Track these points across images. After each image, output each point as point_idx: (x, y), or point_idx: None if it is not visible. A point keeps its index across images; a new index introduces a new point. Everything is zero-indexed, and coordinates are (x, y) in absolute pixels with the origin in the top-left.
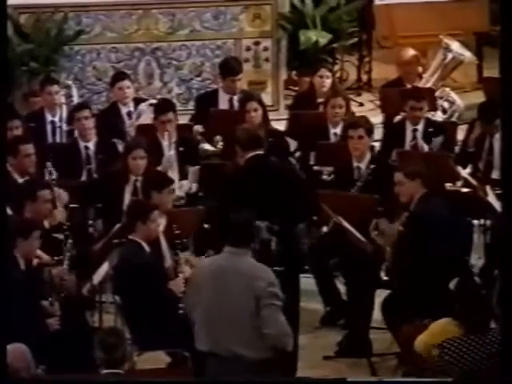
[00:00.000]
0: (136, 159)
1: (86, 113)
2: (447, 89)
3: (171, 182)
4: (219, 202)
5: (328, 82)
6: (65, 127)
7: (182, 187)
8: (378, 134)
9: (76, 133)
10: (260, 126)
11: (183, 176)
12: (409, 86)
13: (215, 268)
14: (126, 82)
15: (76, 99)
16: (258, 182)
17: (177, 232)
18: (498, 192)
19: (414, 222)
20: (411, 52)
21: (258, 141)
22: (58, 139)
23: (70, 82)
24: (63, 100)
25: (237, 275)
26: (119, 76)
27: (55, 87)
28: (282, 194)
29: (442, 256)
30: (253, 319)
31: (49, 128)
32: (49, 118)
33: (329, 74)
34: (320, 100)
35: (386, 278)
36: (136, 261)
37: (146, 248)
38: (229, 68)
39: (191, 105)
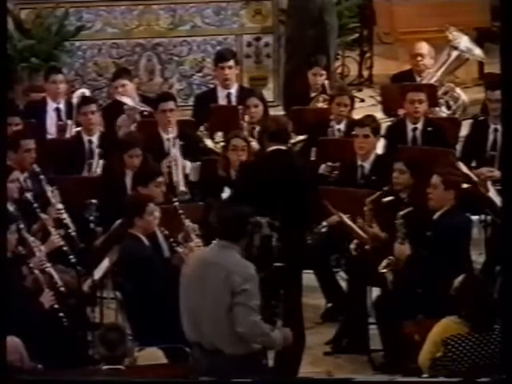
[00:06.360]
0: (132, 157)
1: (93, 107)
2: (452, 84)
3: (158, 174)
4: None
5: (321, 79)
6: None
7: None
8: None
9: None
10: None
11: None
12: (418, 78)
13: (199, 260)
14: (120, 81)
15: None
16: (273, 176)
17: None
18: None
19: (435, 236)
20: (424, 45)
21: (285, 135)
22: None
23: (85, 91)
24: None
25: (217, 269)
26: (116, 74)
27: (60, 76)
28: (294, 191)
29: (445, 255)
30: (229, 315)
31: (53, 115)
32: (53, 105)
33: (322, 72)
34: (313, 95)
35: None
36: (136, 255)
37: (146, 242)
38: (219, 55)
39: (192, 100)
